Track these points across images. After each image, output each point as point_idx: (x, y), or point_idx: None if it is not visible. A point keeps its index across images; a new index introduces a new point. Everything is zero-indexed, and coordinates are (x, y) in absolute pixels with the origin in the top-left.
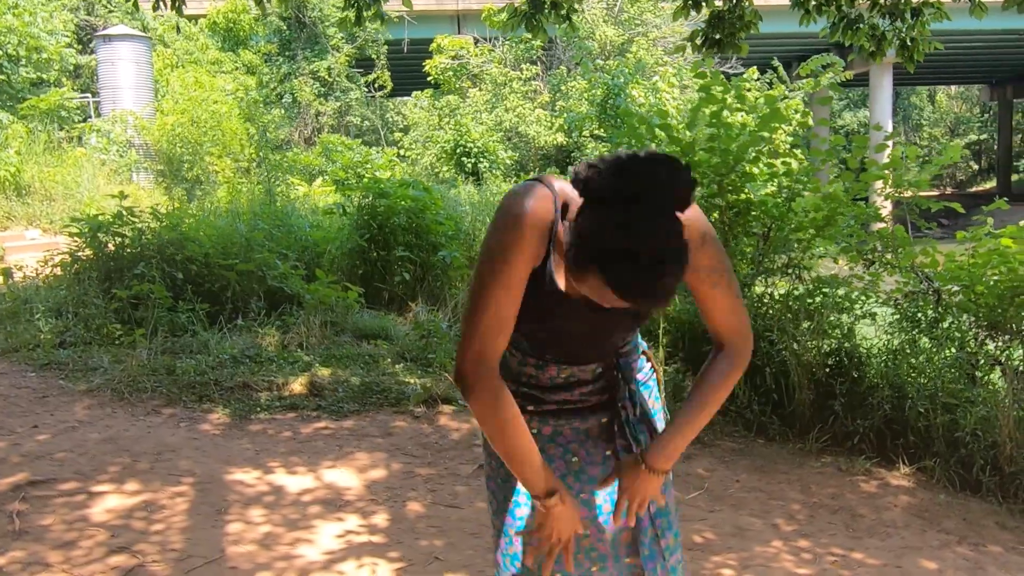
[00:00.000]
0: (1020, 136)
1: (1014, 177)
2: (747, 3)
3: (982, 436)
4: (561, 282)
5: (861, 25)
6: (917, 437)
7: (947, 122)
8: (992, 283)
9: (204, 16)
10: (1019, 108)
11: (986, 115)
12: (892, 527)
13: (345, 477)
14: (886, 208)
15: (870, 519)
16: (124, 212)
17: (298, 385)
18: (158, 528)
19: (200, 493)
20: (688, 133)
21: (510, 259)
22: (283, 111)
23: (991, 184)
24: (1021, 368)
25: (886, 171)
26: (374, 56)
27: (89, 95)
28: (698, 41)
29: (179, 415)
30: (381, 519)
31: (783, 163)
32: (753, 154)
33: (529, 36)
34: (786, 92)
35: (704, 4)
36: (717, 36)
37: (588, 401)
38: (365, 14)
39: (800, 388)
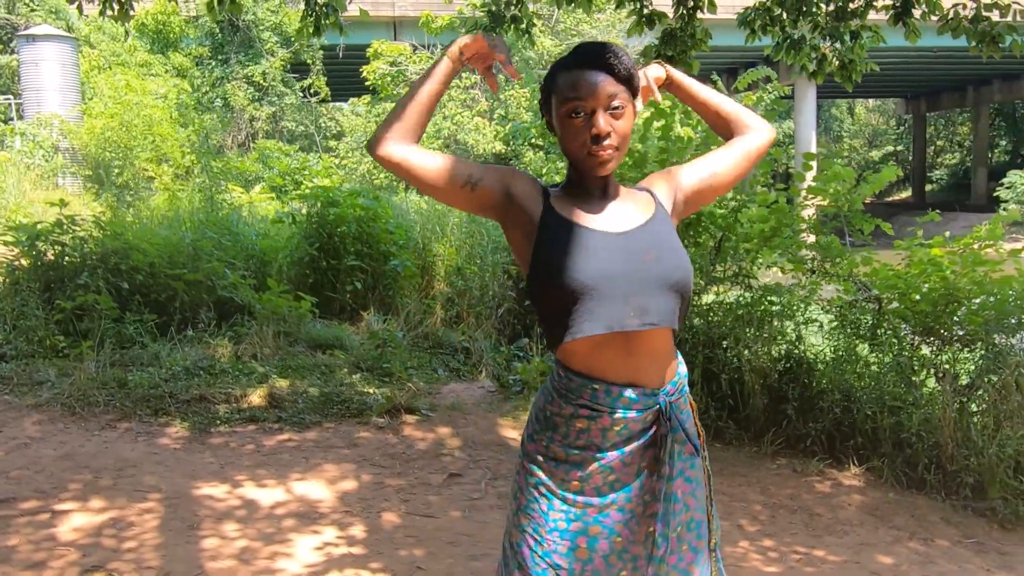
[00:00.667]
0: (933, 148)
1: (928, 187)
2: (699, 21)
3: (925, 437)
4: (573, 214)
5: (804, 46)
6: (865, 439)
7: (865, 134)
8: (926, 291)
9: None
10: (932, 122)
11: (901, 128)
12: (848, 525)
13: (316, 489)
14: (813, 219)
15: (827, 518)
16: (65, 220)
17: (257, 397)
18: (131, 545)
19: (169, 509)
20: (639, 146)
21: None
22: (216, 116)
23: (907, 194)
24: (955, 372)
25: (824, 184)
26: (309, 61)
27: (11, 96)
28: (651, 58)
29: (135, 429)
30: (358, 530)
31: None
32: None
33: None
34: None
35: (657, 21)
36: (669, 53)
37: (633, 466)
38: (324, 23)
39: (754, 393)
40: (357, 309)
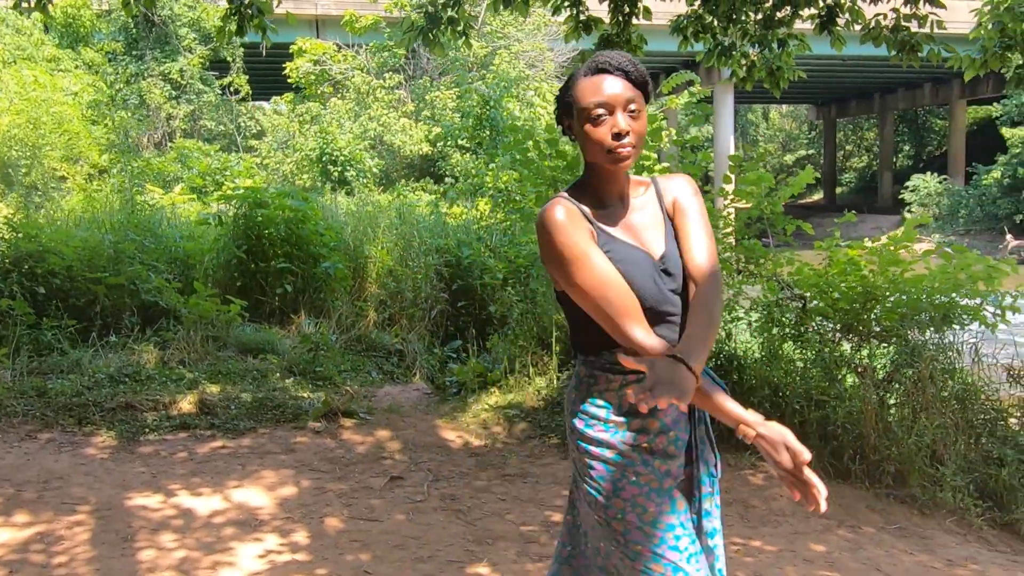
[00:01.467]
0: (842, 153)
1: (838, 190)
2: (634, 27)
3: (849, 429)
4: (620, 233)
5: (734, 52)
6: (794, 431)
7: (780, 139)
8: (845, 290)
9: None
10: (841, 127)
11: (813, 133)
12: (781, 515)
13: (255, 496)
14: (731, 221)
15: (762, 509)
16: None
17: (186, 403)
18: (61, 560)
19: (100, 521)
20: (571, 148)
21: (572, 240)
22: (130, 113)
23: (819, 196)
24: (873, 367)
25: (746, 188)
26: (230, 59)
27: None
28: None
29: (59, 439)
30: (301, 536)
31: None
32: (633, 170)
33: (392, 44)
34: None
35: (594, 27)
36: None
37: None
38: (248, 24)
39: None
40: (288, 312)
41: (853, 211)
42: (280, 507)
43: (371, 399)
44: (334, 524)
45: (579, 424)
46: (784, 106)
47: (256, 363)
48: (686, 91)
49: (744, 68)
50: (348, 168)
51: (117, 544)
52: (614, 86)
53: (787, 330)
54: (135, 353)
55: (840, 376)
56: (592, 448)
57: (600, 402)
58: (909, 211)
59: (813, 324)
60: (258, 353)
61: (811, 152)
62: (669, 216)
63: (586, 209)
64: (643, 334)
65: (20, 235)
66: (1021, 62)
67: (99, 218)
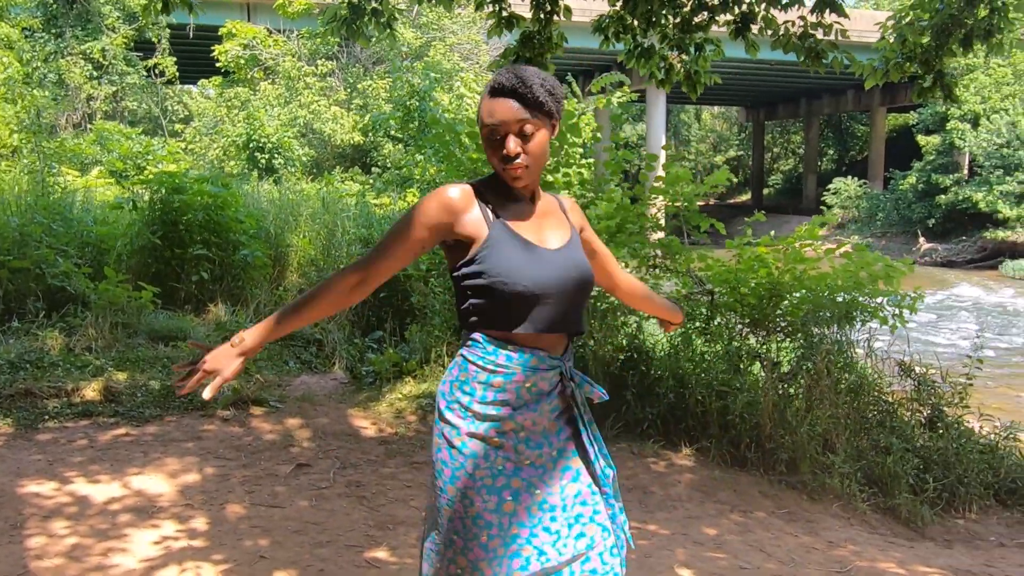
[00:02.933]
0: (770, 155)
1: (765, 191)
2: (555, 25)
3: (747, 419)
4: (517, 227)
5: (653, 55)
6: (696, 421)
7: (711, 139)
8: (753, 286)
9: None
10: (769, 130)
11: (743, 134)
12: (678, 501)
13: (155, 484)
14: (661, 219)
15: (660, 495)
16: None
17: (91, 391)
18: None
19: None
20: None
21: (419, 220)
22: (47, 93)
23: (747, 196)
24: (776, 359)
25: (665, 186)
26: (155, 39)
27: None
28: (510, 59)
29: None
30: (200, 523)
31: (575, 172)
32: (552, 163)
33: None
34: (578, 106)
35: (516, 24)
36: (527, 55)
37: (541, 424)
38: (174, 1)
39: (597, 380)
40: (204, 300)
41: (763, 211)
42: (181, 494)
43: (285, 388)
44: (235, 510)
45: (441, 404)
46: (716, 107)
47: (167, 351)
48: (617, 91)
49: (662, 70)
50: (276, 155)
51: (5, 531)
52: (504, 110)
53: (697, 324)
54: (39, 339)
55: (746, 369)
56: (445, 430)
57: (467, 388)
58: (830, 213)
59: (722, 318)
60: (170, 341)
61: (740, 153)
62: (576, 228)
63: (487, 192)
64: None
65: None
66: (920, 73)
67: (5, 199)
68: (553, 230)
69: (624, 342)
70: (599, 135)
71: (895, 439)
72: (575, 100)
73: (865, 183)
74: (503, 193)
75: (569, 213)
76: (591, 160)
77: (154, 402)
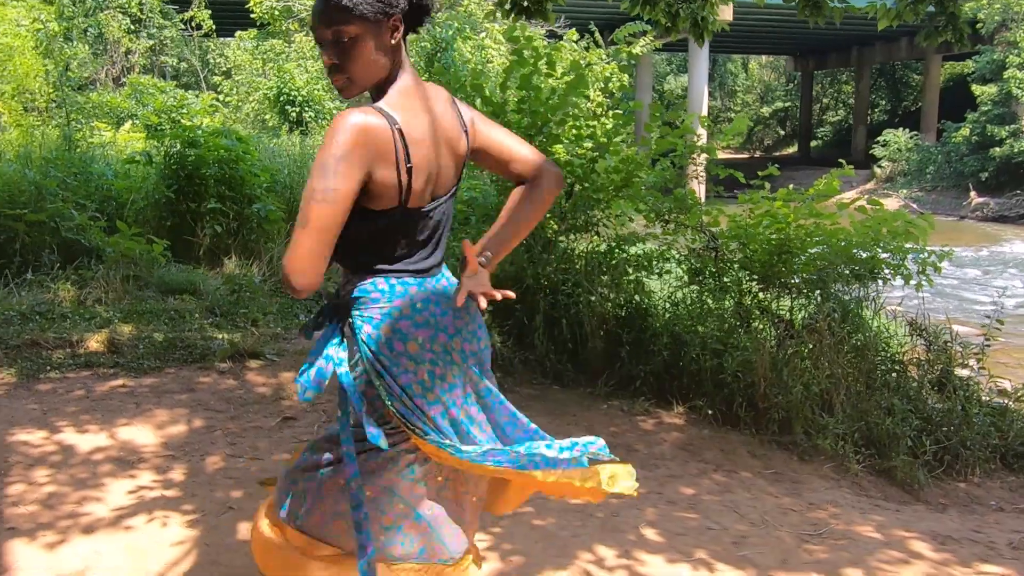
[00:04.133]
0: (819, 106)
1: (813, 143)
2: None
3: (742, 377)
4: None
5: (659, 2)
6: (691, 380)
7: (758, 90)
8: (765, 241)
9: None
10: (819, 80)
11: (791, 85)
12: (661, 459)
13: (142, 435)
14: (698, 172)
15: (643, 453)
16: None
17: (95, 342)
18: None
19: None
20: (498, 94)
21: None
22: (88, 47)
23: (793, 149)
24: (788, 317)
25: (680, 138)
26: None
27: None
28: (507, 7)
29: None
30: (177, 474)
31: (589, 126)
32: (560, 116)
33: None
34: (602, 56)
35: None
36: (525, 3)
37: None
38: None
39: (592, 337)
40: (218, 254)
41: (777, 165)
42: (164, 445)
43: (290, 341)
44: (214, 462)
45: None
46: (764, 57)
47: (176, 303)
48: (641, 40)
49: (668, 17)
50: (306, 109)
51: None
52: (318, 17)
53: (707, 280)
54: (51, 291)
55: (755, 327)
56: None
57: None
58: (879, 166)
59: (732, 275)
60: (180, 294)
61: (788, 104)
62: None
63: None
64: None
65: None
66: (934, 12)
67: (29, 154)
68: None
69: (626, 299)
70: (628, 85)
71: (897, 400)
72: (599, 50)
73: (916, 135)
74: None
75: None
76: (618, 112)
77: (155, 354)
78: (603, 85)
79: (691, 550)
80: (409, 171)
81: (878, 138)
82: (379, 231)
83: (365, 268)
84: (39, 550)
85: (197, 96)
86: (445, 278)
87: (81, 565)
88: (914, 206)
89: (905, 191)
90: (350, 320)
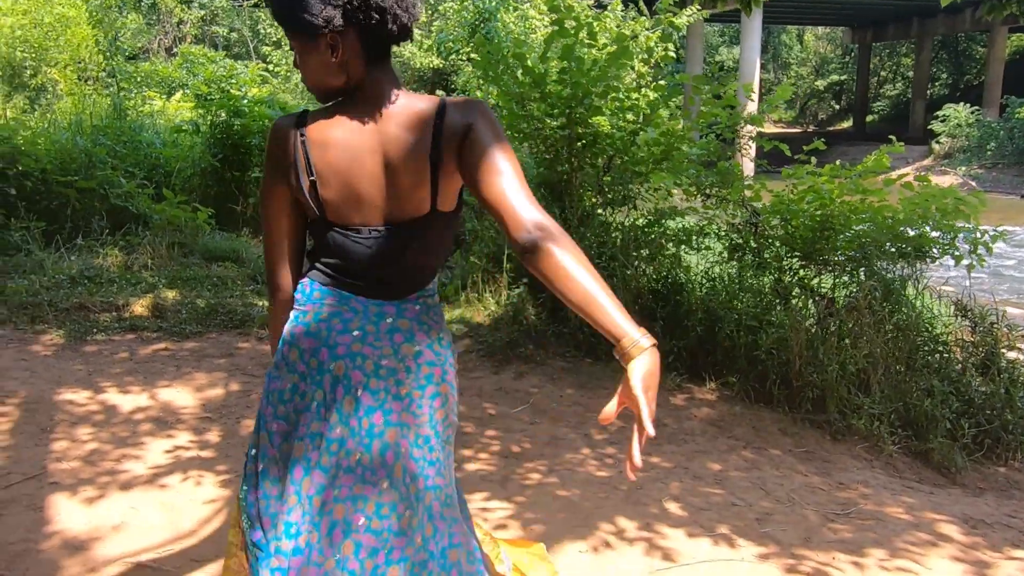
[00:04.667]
0: (876, 79)
1: (868, 118)
2: None
3: (776, 354)
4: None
5: None
6: (724, 356)
7: (813, 62)
8: (808, 217)
9: None
10: (877, 52)
11: (847, 57)
12: (689, 435)
13: (181, 397)
14: (742, 145)
15: (672, 428)
16: None
17: (140, 307)
18: None
19: (26, 413)
20: (541, 65)
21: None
22: (142, 17)
23: (848, 124)
24: (830, 295)
25: (724, 109)
26: None
27: None
28: None
29: (8, 336)
30: (213, 435)
31: (631, 97)
32: (602, 87)
33: None
34: (646, 26)
35: None
36: None
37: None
38: None
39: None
40: (260, 222)
41: (824, 140)
42: (202, 407)
43: None
44: (248, 425)
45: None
46: (820, 28)
47: (219, 270)
48: (687, 9)
49: None
50: None
51: (35, 435)
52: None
53: (747, 256)
54: (100, 256)
55: (796, 305)
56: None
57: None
58: (937, 142)
59: (772, 251)
60: (223, 261)
61: (843, 78)
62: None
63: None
64: None
65: None
66: None
67: (80, 123)
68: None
69: (663, 272)
70: (672, 54)
71: (937, 381)
72: (643, 19)
73: (978, 110)
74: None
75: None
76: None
77: (197, 319)
78: (647, 56)
79: (713, 525)
80: (312, 182)
81: (937, 113)
82: (316, 241)
83: (307, 270)
84: (79, 504)
85: (246, 66)
86: (392, 309)
87: (118, 519)
88: (972, 184)
89: (964, 168)
90: None
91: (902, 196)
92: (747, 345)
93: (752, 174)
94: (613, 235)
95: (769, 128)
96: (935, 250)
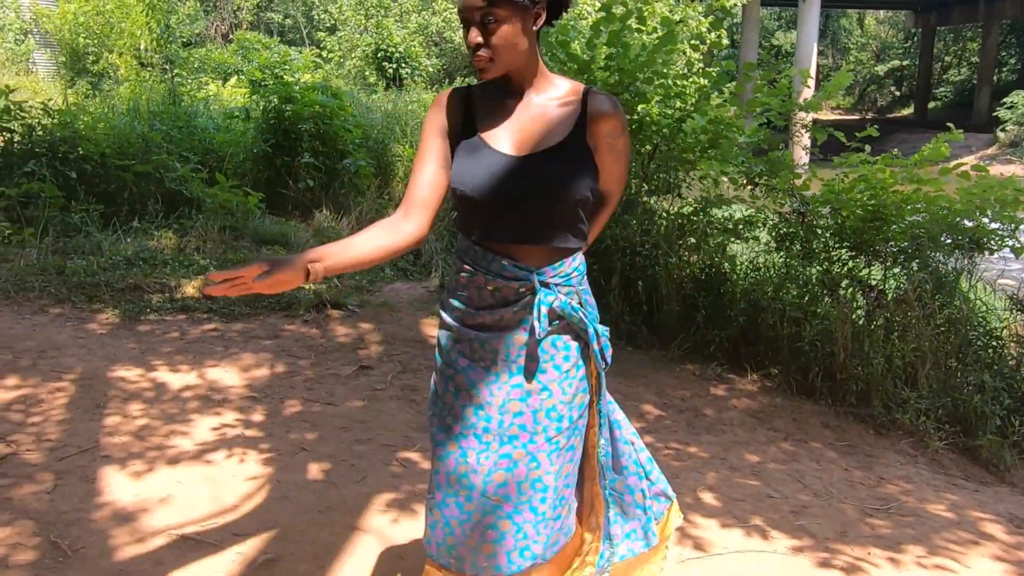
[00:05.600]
0: (940, 65)
1: (931, 105)
2: None
3: (820, 347)
4: (485, 130)
5: None
6: (767, 347)
7: (873, 47)
8: (859, 206)
9: None
10: (941, 37)
11: (909, 42)
12: (729, 426)
13: (228, 376)
14: (794, 133)
15: (711, 418)
16: (12, 106)
17: (191, 288)
18: (35, 420)
19: (81, 389)
20: (588, 52)
21: (422, 132)
22: (199, 4)
23: (909, 111)
24: (881, 286)
25: (768, 98)
26: None
27: None
28: None
29: (67, 315)
30: (258, 415)
31: (679, 84)
32: (649, 73)
33: None
34: (698, 10)
35: None
36: None
37: (511, 327)
38: None
39: (668, 300)
40: (310, 207)
41: (876, 127)
42: (248, 387)
43: (374, 293)
44: (292, 405)
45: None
46: (881, 12)
47: (268, 254)
48: None
49: None
50: (403, 65)
51: (89, 409)
52: (464, 5)
53: (794, 246)
54: (154, 239)
55: (844, 296)
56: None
57: (449, 283)
58: (1003, 130)
59: (821, 241)
60: (272, 244)
61: (906, 63)
62: (583, 133)
63: (476, 97)
64: (384, 222)
65: (55, 121)
66: None
67: (137, 108)
68: (537, 132)
69: (707, 262)
70: (720, 41)
71: (988, 376)
72: (695, 3)
73: None
74: (493, 92)
75: (589, 117)
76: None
77: (245, 301)
78: (696, 42)
79: (748, 516)
80: None
81: (1004, 100)
82: None
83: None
84: (128, 477)
85: (300, 52)
86: None
87: (164, 493)
88: (969, 170)
89: None
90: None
91: (960, 186)
92: (790, 336)
93: (807, 162)
94: (658, 222)
95: (827, 115)
96: (994, 242)
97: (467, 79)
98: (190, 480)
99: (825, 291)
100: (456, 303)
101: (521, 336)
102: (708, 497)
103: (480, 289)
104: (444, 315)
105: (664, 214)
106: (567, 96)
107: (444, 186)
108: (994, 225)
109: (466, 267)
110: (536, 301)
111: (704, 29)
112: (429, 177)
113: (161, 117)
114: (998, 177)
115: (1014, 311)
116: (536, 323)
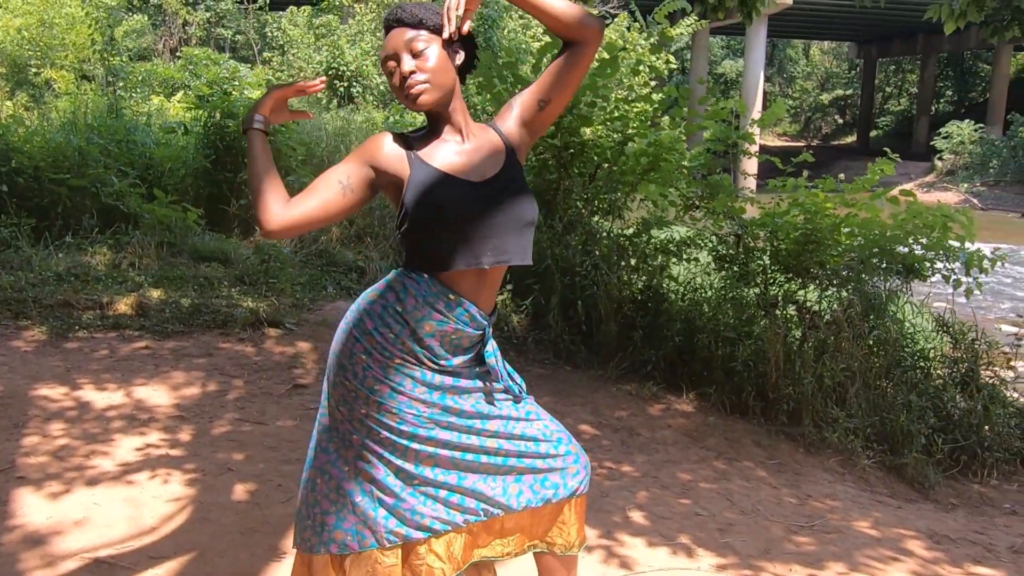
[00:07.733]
0: (881, 95)
1: (873, 133)
2: None
3: (753, 367)
4: (439, 164)
5: None
6: (703, 366)
7: (818, 76)
8: (793, 230)
9: None
10: (883, 68)
11: (852, 72)
12: (662, 445)
13: (157, 395)
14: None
15: (645, 437)
16: None
17: (124, 305)
18: None
19: None
20: (535, 76)
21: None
22: (147, 18)
23: (852, 139)
24: (813, 307)
25: (710, 122)
26: None
27: None
28: None
29: None
30: (184, 435)
31: (621, 108)
32: (591, 97)
33: None
34: (646, 36)
35: None
36: None
37: (467, 369)
38: None
39: (607, 320)
40: (251, 224)
41: (811, 152)
42: (176, 406)
43: (315, 311)
44: (221, 425)
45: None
46: (826, 43)
47: (207, 271)
48: (686, 20)
49: None
50: (354, 84)
51: (7, 429)
52: (393, 37)
53: (732, 268)
54: (88, 254)
55: (779, 317)
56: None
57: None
58: (940, 158)
59: (758, 263)
60: (212, 261)
61: (848, 92)
62: (510, 143)
63: (417, 137)
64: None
65: None
66: (998, 7)
67: (75, 121)
68: (485, 162)
69: (645, 282)
70: (668, 65)
71: (915, 396)
72: (637, 29)
73: (982, 127)
74: (430, 138)
75: (503, 126)
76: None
77: (180, 319)
78: (638, 67)
79: (674, 534)
80: None
81: (940, 130)
82: None
83: None
84: (43, 499)
85: (251, 69)
86: None
87: (80, 515)
88: (974, 201)
89: (966, 185)
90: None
91: (893, 212)
92: (725, 356)
93: (754, 187)
94: (599, 243)
95: (773, 141)
96: (925, 268)
97: None
98: (109, 501)
99: (762, 312)
100: (419, 350)
101: (474, 384)
102: (637, 516)
103: (444, 337)
104: (402, 362)
105: (606, 235)
106: (485, 132)
107: (336, 210)
108: (921, 252)
109: (435, 315)
110: (492, 349)
111: (645, 55)
112: (328, 195)
113: (99, 131)
114: (926, 204)
115: (940, 332)
116: (497, 367)
